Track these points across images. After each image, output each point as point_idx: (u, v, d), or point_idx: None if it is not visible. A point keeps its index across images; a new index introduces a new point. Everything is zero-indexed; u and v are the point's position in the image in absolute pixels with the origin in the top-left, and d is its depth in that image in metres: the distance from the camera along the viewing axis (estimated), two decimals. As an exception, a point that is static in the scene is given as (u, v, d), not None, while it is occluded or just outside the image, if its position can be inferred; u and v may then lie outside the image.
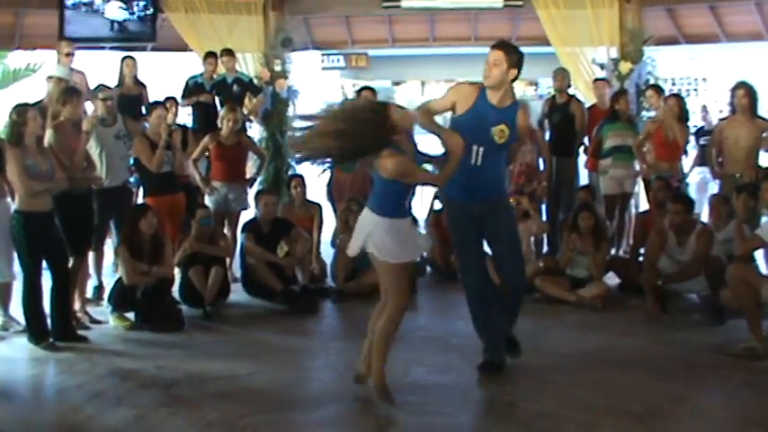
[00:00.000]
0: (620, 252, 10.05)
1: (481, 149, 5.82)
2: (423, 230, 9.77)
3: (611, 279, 8.89)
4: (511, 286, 6.22)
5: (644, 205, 10.25)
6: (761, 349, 6.62)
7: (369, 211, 5.60)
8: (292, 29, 13.09)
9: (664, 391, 5.88)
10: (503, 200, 6.29)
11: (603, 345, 7.12)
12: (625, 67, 11.61)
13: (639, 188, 10.30)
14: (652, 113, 10.60)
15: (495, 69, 5.78)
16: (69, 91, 7.95)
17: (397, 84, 25.03)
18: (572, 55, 11.98)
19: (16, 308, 7.32)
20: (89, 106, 8.89)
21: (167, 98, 9.17)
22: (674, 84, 19.19)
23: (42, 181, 6.87)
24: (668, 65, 14.67)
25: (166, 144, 8.34)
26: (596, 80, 11.16)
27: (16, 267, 7.28)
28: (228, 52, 11.22)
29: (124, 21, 12.45)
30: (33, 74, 13.85)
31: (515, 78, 5.87)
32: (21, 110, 6.97)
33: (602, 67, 11.87)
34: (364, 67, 20.43)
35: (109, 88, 8.77)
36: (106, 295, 8.12)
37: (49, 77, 9.12)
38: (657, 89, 10.56)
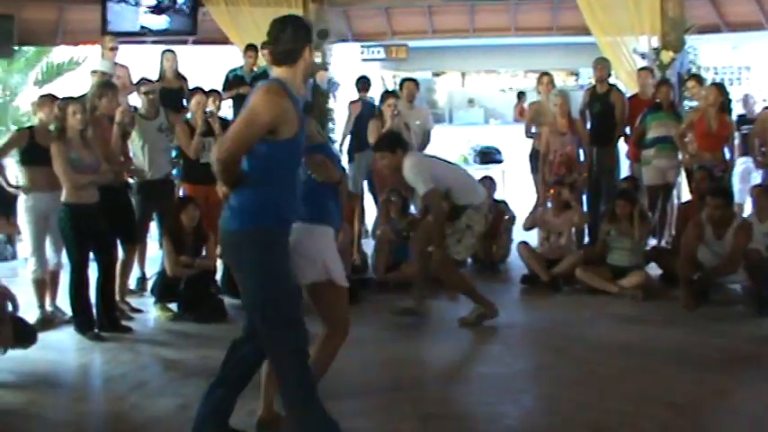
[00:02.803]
0: (663, 243, 9.99)
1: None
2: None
3: (653, 270, 8.85)
4: None
5: (686, 195, 10.17)
6: None
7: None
8: (331, 20, 13.12)
9: (706, 384, 5.84)
10: None
11: (645, 336, 7.10)
12: (666, 56, 11.49)
13: (682, 178, 10.21)
14: (694, 103, 10.50)
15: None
16: (105, 85, 8.05)
17: (436, 75, 24.90)
18: (613, 44, 11.86)
19: (63, 298, 7.45)
20: (134, 99, 8.99)
21: (210, 90, 9.23)
22: (716, 73, 18.88)
23: (87, 173, 6.97)
24: (710, 54, 14.50)
25: (203, 131, 8.35)
26: (640, 69, 11.07)
27: (63, 258, 7.42)
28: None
29: (165, 15, 12.57)
30: (77, 68, 13.98)
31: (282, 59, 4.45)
32: (62, 105, 7.09)
33: (643, 56, 11.75)
34: (404, 58, 20.31)
35: (151, 82, 8.87)
36: (149, 286, 8.24)
37: (93, 72, 9.25)
38: (698, 79, 10.47)
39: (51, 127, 7.15)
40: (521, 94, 21.28)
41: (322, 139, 5.11)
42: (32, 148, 7.35)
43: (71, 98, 7.45)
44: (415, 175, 7.11)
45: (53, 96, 7.71)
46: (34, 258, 7.49)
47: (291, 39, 4.35)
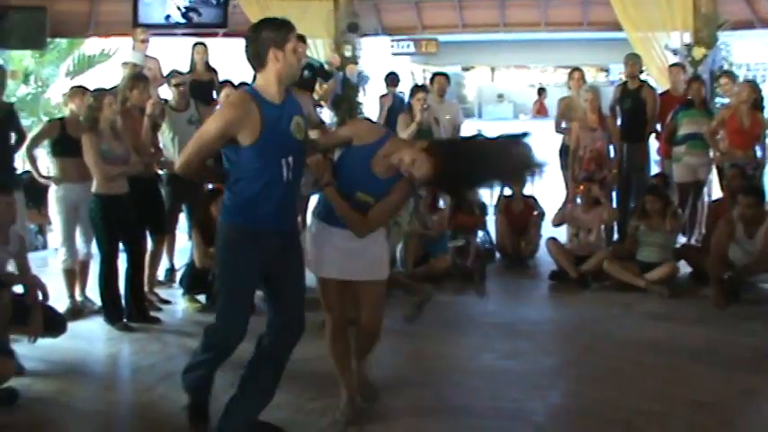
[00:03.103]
0: (693, 241, 9.92)
1: (290, 158, 4.46)
2: (492, 216, 9.83)
3: (684, 267, 8.78)
4: (284, 340, 4.83)
5: (717, 193, 10.09)
6: None
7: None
8: (362, 14, 13.12)
9: (735, 383, 5.80)
10: (297, 231, 4.85)
11: (674, 334, 7.05)
12: (698, 52, 11.37)
13: (713, 176, 10.13)
14: (726, 100, 10.41)
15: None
16: (136, 77, 8.09)
17: (466, 69, 24.90)
18: (644, 40, 11.77)
19: (92, 288, 7.51)
20: (164, 92, 9.03)
21: (240, 83, 9.25)
22: (749, 70, 18.73)
23: (117, 165, 7.01)
24: (743, 50, 14.36)
25: None
26: (672, 66, 10.99)
27: (93, 249, 7.47)
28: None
29: (196, 7, 12.62)
30: (108, 59, 14.06)
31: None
32: (97, 96, 7.12)
33: (675, 52, 11.66)
34: (433, 52, 20.32)
35: (181, 74, 8.88)
36: (178, 278, 8.28)
37: (125, 63, 9.30)
38: (731, 75, 10.38)
39: (81, 118, 7.20)
40: (541, 90, 21.24)
41: (371, 139, 4.82)
42: (63, 139, 7.41)
43: (104, 90, 7.49)
44: None
45: (84, 88, 7.77)
46: (64, 249, 7.55)
47: (254, 43, 4.49)
